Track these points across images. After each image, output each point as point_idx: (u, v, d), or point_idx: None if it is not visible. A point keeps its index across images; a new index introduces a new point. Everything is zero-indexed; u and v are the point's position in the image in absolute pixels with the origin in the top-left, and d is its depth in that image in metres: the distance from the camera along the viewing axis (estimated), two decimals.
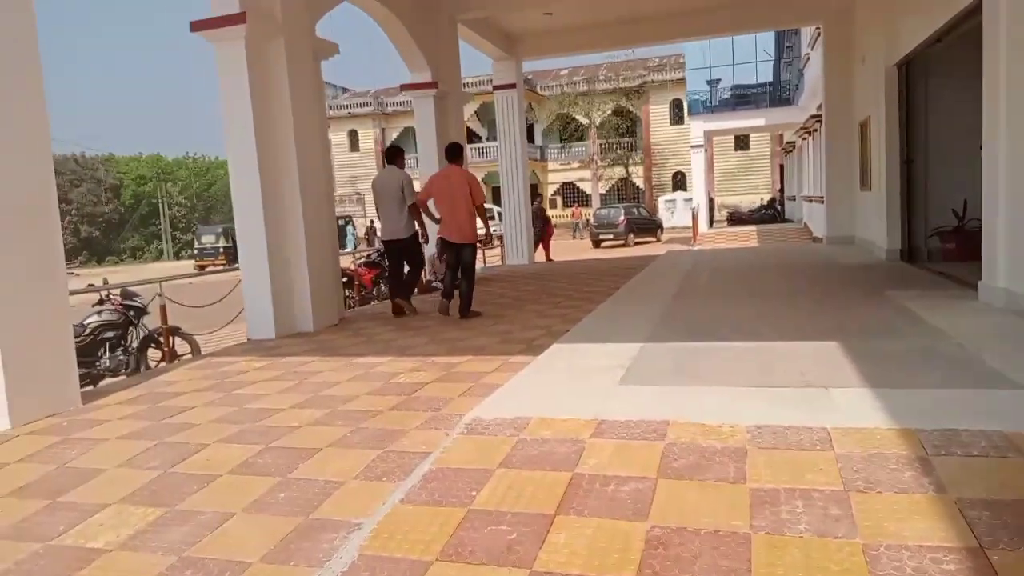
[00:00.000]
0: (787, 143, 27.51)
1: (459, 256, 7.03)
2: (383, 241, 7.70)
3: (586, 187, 41.32)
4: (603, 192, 41.13)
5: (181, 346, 8.03)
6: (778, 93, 29.70)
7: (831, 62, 12.34)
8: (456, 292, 7.17)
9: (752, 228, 23.05)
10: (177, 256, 47.42)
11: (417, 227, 7.49)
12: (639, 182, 40.46)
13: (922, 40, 7.94)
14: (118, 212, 52.10)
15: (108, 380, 7.46)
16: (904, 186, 8.94)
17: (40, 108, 4.41)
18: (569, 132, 40.75)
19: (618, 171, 39.59)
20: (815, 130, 17.94)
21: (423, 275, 9.69)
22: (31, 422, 4.15)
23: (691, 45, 30.12)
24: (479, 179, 7.33)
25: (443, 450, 3.07)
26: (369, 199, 44.81)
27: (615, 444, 2.92)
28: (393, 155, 7.71)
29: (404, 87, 10.25)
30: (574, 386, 3.86)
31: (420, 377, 4.74)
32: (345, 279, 10.62)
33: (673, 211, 35.58)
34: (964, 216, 8.75)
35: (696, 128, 21.84)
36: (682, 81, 38.16)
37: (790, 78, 28.50)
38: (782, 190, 36.81)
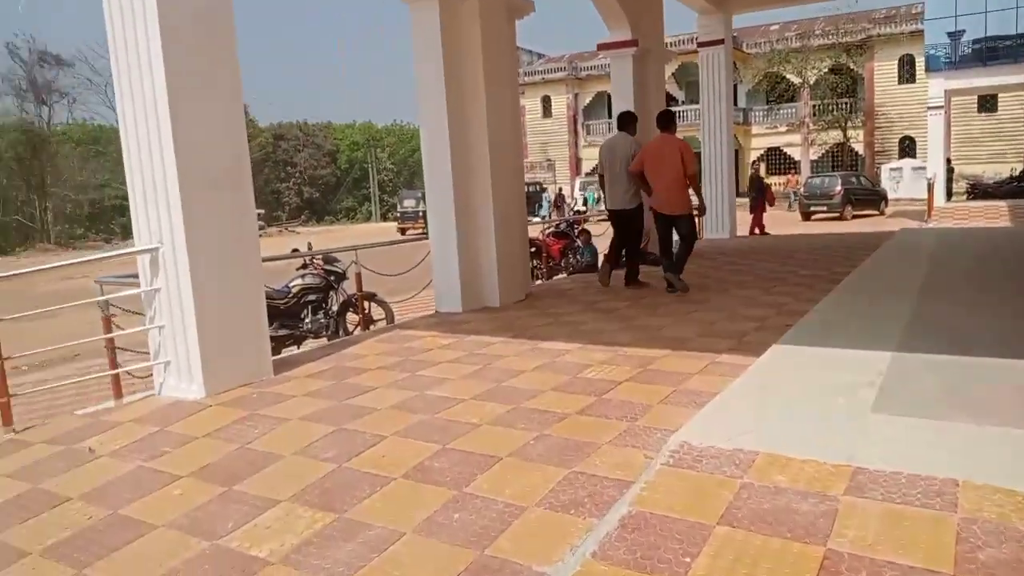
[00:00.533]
0: None
1: (675, 228, 6.87)
2: (608, 211, 7.46)
3: (795, 153, 37.87)
4: (814, 158, 37.46)
5: (376, 312, 8.15)
6: None
7: None
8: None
9: (1001, 204, 19.60)
10: (383, 218, 50.70)
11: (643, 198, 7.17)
12: (858, 148, 36.30)
13: None
14: (335, 175, 56.63)
15: (308, 344, 7.76)
16: None
17: (235, 83, 4.36)
18: (778, 93, 37.41)
19: (834, 135, 35.71)
20: None
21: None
22: (224, 391, 4.18)
23: None
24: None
25: (644, 485, 2.50)
26: (560, 167, 44.75)
27: (882, 509, 2.17)
28: (625, 121, 7.42)
29: (601, 46, 9.57)
30: (809, 409, 3.09)
31: (612, 373, 4.19)
32: (532, 249, 10.30)
33: (899, 181, 31.50)
34: None
35: (935, 87, 18.78)
36: (916, 34, 33.46)
37: None
38: None
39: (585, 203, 34.24)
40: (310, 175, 55.40)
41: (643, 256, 7.66)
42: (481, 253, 6.62)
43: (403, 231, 32.44)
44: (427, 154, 6.47)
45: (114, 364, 4.62)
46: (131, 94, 4.12)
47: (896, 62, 34.53)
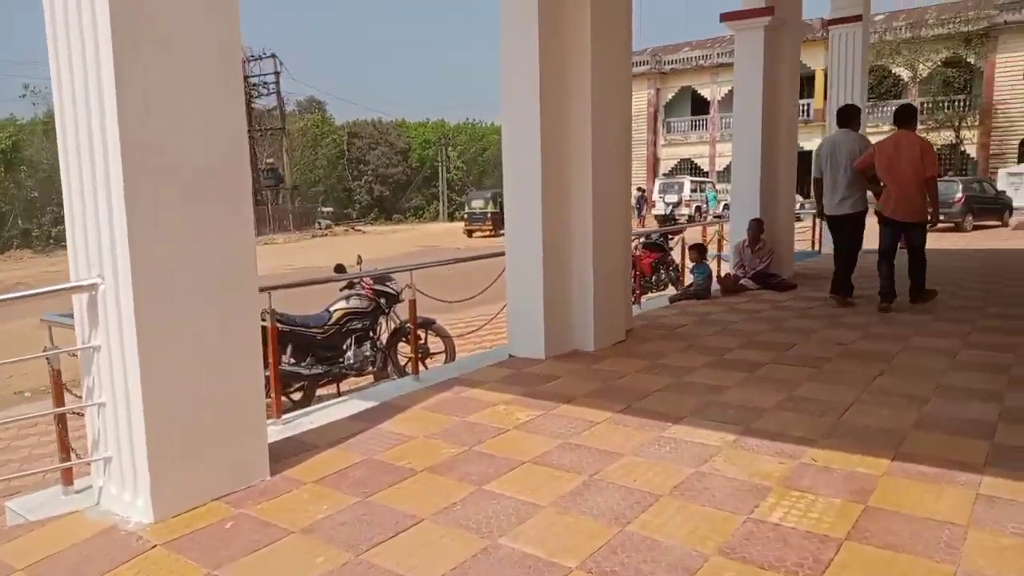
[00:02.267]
0: None
1: (904, 239, 6.23)
2: (828, 216, 6.69)
3: None
4: None
5: (434, 342, 6.63)
6: None
7: None
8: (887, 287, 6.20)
9: None
10: (451, 217, 49.69)
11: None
12: (970, 149, 32.83)
13: None
14: (405, 174, 56.06)
15: (349, 384, 6.29)
16: None
17: (228, 50, 2.86)
18: (885, 88, 34.23)
19: (945, 135, 32.34)
20: None
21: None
22: (187, 511, 2.69)
23: None
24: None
25: None
26: (636, 167, 42.62)
27: None
28: (850, 116, 6.70)
29: (728, 16, 7.75)
30: None
31: (811, 511, 2.50)
32: None
33: (1018, 188, 28.12)
34: None
35: None
36: None
37: None
38: None
39: (705, 205, 31.95)
40: (381, 173, 54.96)
41: (850, 269, 6.63)
42: (573, 281, 4.98)
43: (470, 232, 31.17)
44: (509, 154, 4.90)
45: (65, 446, 3.18)
46: (68, 63, 2.67)
47: (1023, 54, 30.95)
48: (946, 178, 26.36)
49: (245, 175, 2.95)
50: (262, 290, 4.00)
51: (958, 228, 21.37)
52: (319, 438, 3.51)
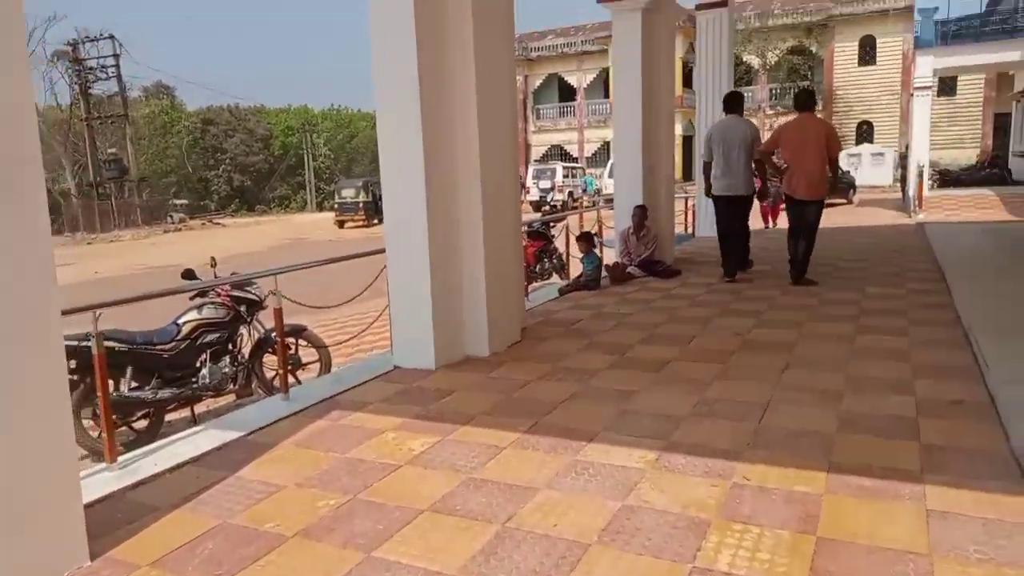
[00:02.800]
0: None
1: (803, 215, 6.39)
2: (717, 196, 6.88)
3: None
4: None
5: (307, 352, 5.91)
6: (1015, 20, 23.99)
7: None
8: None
9: (987, 192, 18.44)
10: (320, 207, 47.63)
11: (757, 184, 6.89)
12: None
13: None
14: (267, 162, 53.08)
15: (205, 406, 5.49)
16: None
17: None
18: (739, 75, 36.02)
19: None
20: None
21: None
22: None
23: None
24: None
25: None
26: None
27: None
28: (736, 102, 7.00)
29: None
30: None
31: (760, 545, 2.17)
32: None
33: (857, 167, 30.56)
34: None
35: (923, 66, 17.43)
36: (875, 14, 32.55)
37: None
38: (998, 146, 30.72)
39: (584, 191, 32.12)
40: (241, 162, 51.72)
41: (740, 249, 7.03)
42: (464, 278, 4.49)
43: (341, 223, 29.83)
44: (386, 136, 4.29)
45: None
46: None
47: (857, 43, 33.56)
48: None
49: (36, 175, 2.21)
50: (87, 309, 3.23)
51: (831, 205, 22.69)
52: (161, 493, 2.81)
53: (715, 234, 10.62)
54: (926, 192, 17.59)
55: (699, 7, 10.62)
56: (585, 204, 29.13)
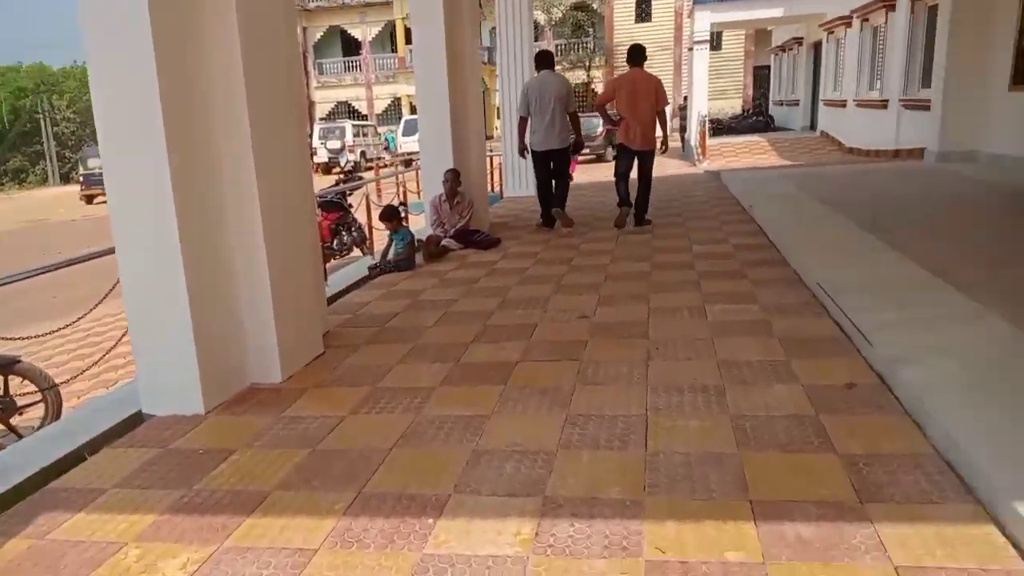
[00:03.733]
0: (789, 41, 24.11)
1: (640, 163, 6.80)
2: (537, 152, 7.04)
3: None
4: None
5: (25, 392, 4.35)
6: None
7: None
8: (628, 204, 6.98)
9: (758, 139, 19.95)
10: (66, 179, 41.15)
11: (572, 137, 7.08)
12: (600, 87, 36.60)
13: None
14: None
15: None
16: None
17: None
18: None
19: (578, 75, 35.40)
20: (862, 19, 14.66)
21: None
22: None
23: None
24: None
25: None
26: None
27: None
28: (548, 59, 7.16)
29: None
30: None
31: None
32: None
33: None
34: None
35: (702, 20, 18.23)
36: None
37: None
38: (759, 96, 33.77)
39: (387, 149, 30.02)
40: None
41: (557, 196, 7.23)
42: (239, 280, 3.32)
43: (89, 198, 25.04)
44: (103, 97, 2.95)
45: None
46: None
47: (634, 0, 34.89)
48: (588, 114, 28.78)
49: None
50: None
51: (600, 159, 23.33)
52: None
53: (525, 192, 10.18)
54: (707, 140, 18.56)
55: None
56: (386, 163, 27.71)
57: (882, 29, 13.74)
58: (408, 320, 4.45)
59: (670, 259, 5.56)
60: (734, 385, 3.02)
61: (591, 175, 16.81)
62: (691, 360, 3.35)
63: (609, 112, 7.10)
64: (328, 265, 8.45)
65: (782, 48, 25.93)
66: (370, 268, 5.85)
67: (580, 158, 23.00)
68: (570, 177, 7.39)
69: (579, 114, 7.27)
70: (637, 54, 6.80)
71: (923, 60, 11.82)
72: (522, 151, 7.20)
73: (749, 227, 6.59)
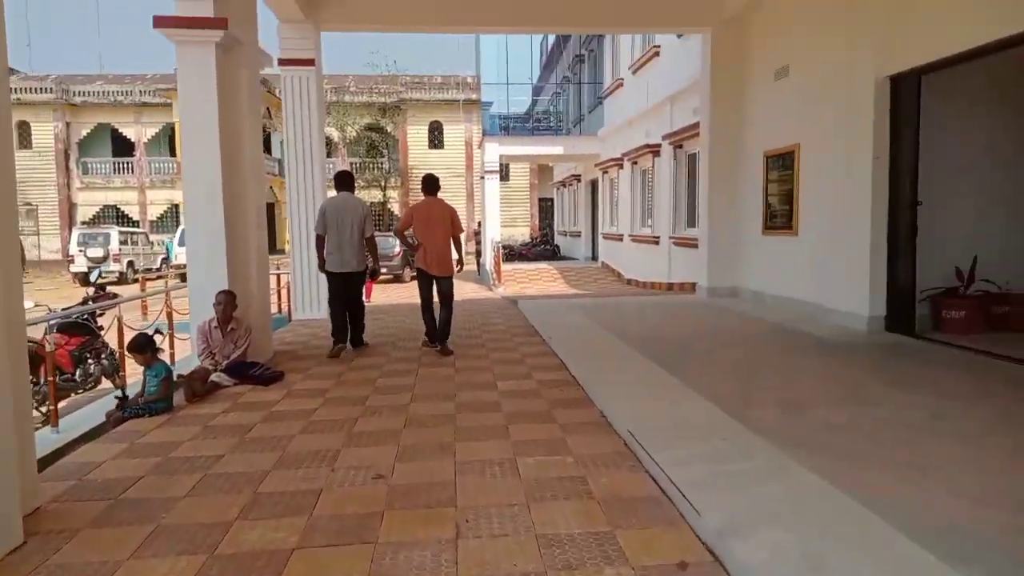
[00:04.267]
0: (568, 177, 26.24)
1: (439, 289, 6.95)
2: (333, 273, 6.95)
3: None
4: None
5: None
6: (549, 122, 28.61)
7: (720, 78, 10.27)
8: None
9: (546, 266, 21.00)
10: None
11: (369, 262, 7.22)
12: (394, 207, 36.99)
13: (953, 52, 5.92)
14: None
15: None
16: (907, 234, 6.80)
17: None
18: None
19: (374, 194, 35.59)
20: (632, 162, 16.26)
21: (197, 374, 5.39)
22: None
23: (488, 63, 28.13)
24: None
25: None
26: (46, 213, 35.04)
27: None
28: (348, 179, 7.21)
29: (163, 21, 5.62)
30: None
31: None
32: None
33: None
34: (971, 276, 6.88)
35: (491, 151, 19.22)
36: (443, 103, 35.82)
37: (565, 109, 27.50)
38: (545, 226, 36.13)
39: (166, 260, 26.74)
40: None
41: (354, 319, 7.20)
42: None
43: None
44: None
45: None
46: None
47: (427, 127, 36.35)
48: (385, 233, 28.68)
49: None
50: None
51: (398, 279, 23.07)
52: None
53: (317, 315, 9.44)
54: (502, 267, 19.09)
55: (283, 63, 9.41)
56: (160, 275, 25.11)
57: (650, 172, 15.28)
58: (153, 488, 3.50)
59: (475, 397, 5.14)
60: (558, 572, 2.55)
61: (389, 295, 16.39)
62: (507, 536, 2.86)
63: (408, 237, 7.07)
64: (66, 402, 6.96)
65: (563, 183, 28.20)
66: (108, 415, 4.71)
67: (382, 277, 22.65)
68: (366, 300, 7.14)
69: (376, 234, 7.23)
70: (431, 184, 7.04)
71: (688, 202, 13.18)
72: (322, 267, 7.01)
73: (550, 360, 6.44)
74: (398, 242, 23.90)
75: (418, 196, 35.87)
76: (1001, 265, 6.99)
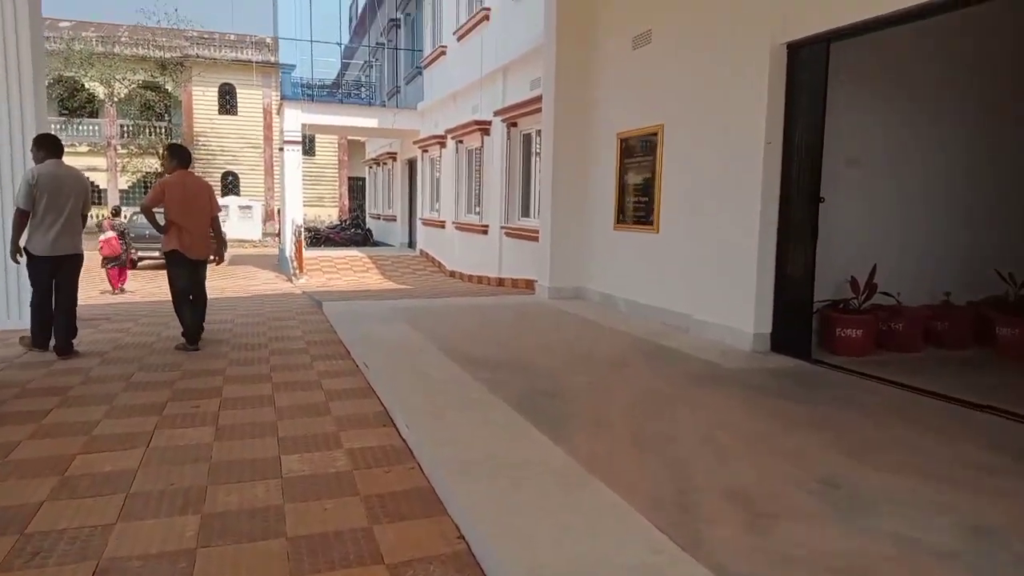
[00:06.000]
0: (383, 155, 23.82)
1: (195, 274, 6.27)
2: (49, 258, 5.78)
3: (99, 180, 31.07)
4: (125, 188, 31.50)
5: None
6: (360, 95, 26.04)
7: (566, 46, 8.77)
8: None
9: (357, 253, 18.63)
10: None
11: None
12: None
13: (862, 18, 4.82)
14: None
15: None
16: (804, 236, 5.66)
17: None
18: (79, 103, 29.92)
19: (150, 162, 30.54)
20: (457, 140, 14.52)
21: None
22: None
23: (288, 23, 24.69)
24: None
25: None
26: None
27: None
28: (58, 147, 5.96)
29: None
30: None
31: None
32: None
33: (225, 221, 28.86)
34: (868, 287, 5.93)
35: (291, 119, 16.37)
36: (237, 63, 31.65)
37: (379, 79, 25.11)
38: (356, 208, 33.42)
39: None
40: None
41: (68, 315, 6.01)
42: None
43: None
44: None
45: None
46: None
47: (217, 90, 31.93)
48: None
49: None
50: None
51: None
52: None
53: (14, 324, 7.05)
54: (305, 253, 16.55)
55: None
56: None
57: (479, 152, 13.64)
58: None
59: (242, 501, 3.08)
60: None
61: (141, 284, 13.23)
62: None
63: (157, 216, 6.10)
64: None
65: (376, 161, 25.80)
66: None
67: (147, 262, 18.87)
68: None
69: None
70: (182, 155, 6.36)
71: (523, 188, 11.70)
72: (15, 255, 5.76)
73: (369, 407, 4.50)
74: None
75: (207, 168, 31.66)
76: (896, 274, 6.15)
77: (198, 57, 30.96)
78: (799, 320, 5.73)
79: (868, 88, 6.12)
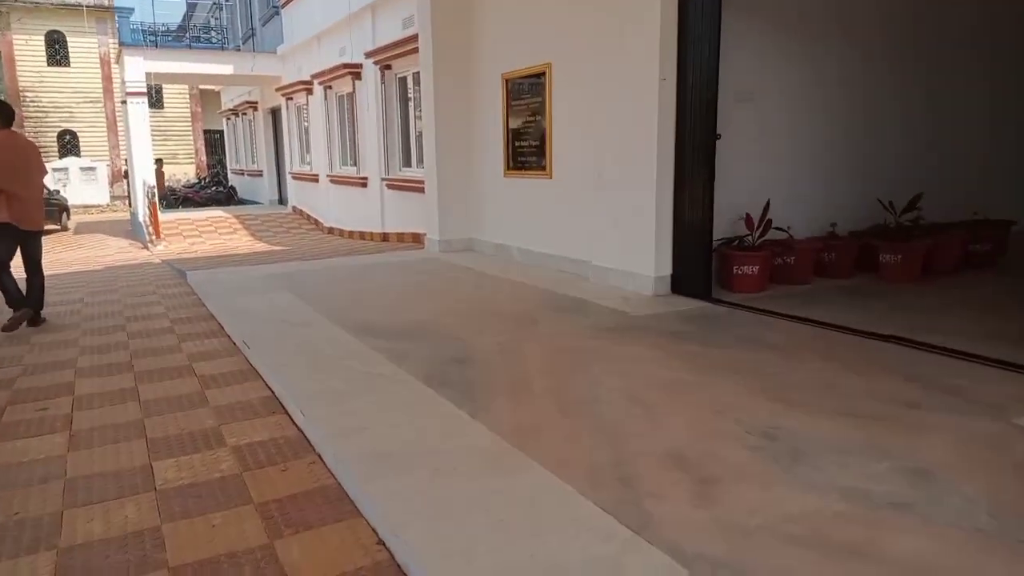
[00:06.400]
0: (242, 104, 21.96)
1: (25, 248, 5.60)
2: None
3: None
4: None
5: None
6: (211, 39, 23.85)
7: None
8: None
9: (223, 214, 17.18)
10: None
11: None
12: None
13: None
14: None
15: None
16: (701, 175, 5.51)
17: None
18: None
19: None
20: (326, 86, 13.51)
21: None
22: None
23: None
24: None
25: None
26: None
27: None
28: (7, 114, 5.59)
29: None
30: None
31: None
32: None
33: (66, 184, 25.95)
34: (763, 223, 5.93)
35: (134, 68, 14.51)
36: (67, 8, 28.02)
37: (231, 21, 23.03)
38: (215, 163, 31.05)
39: None
40: None
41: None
42: None
43: None
44: None
45: None
46: None
47: (43, 38, 28.24)
48: None
49: None
50: None
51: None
52: None
53: None
54: (161, 215, 15.09)
55: None
56: None
57: (351, 98, 12.75)
58: None
59: (108, 527, 2.55)
60: None
61: None
62: None
63: None
64: None
65: (235, 112, 23.84)
66: None
67: None
68: None
69: None
70: (7, 112, 5.62)
71: (402, 136, 11.05)
72: None
73: (252, 390, 3.97)
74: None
75: (40, 127, 28.20)
76: (787, 208, 6.19)
77: (17, 2, 27.11)
78: (699, 260, 5.66)
79: (762, 22, 6.01)
